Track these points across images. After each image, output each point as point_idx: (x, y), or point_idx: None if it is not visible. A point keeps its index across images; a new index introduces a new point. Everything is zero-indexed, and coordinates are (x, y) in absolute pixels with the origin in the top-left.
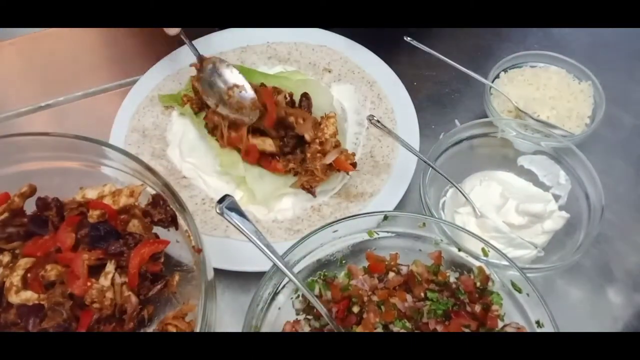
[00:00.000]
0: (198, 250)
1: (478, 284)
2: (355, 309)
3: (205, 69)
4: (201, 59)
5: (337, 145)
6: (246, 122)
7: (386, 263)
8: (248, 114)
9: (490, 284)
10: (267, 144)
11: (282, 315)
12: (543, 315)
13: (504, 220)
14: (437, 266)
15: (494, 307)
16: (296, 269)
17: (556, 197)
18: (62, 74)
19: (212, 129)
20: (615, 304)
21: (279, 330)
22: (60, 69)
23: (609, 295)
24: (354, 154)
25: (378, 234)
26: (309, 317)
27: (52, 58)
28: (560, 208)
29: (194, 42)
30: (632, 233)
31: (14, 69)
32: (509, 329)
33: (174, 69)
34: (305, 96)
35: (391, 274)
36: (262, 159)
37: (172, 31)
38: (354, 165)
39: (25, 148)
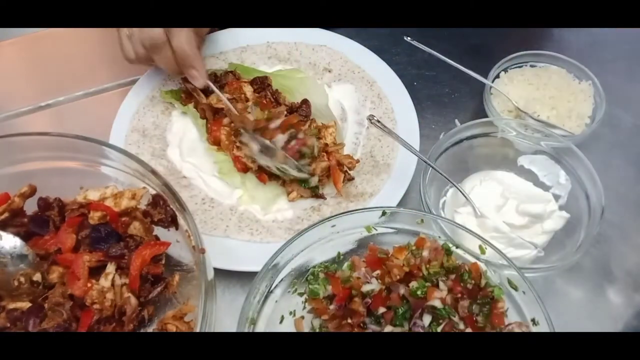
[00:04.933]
0: (201, 251)
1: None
2: (356, 301)
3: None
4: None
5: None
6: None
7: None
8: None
9: (484, 280)
10: (250, 160)
11: (279, 308)
12: (539, 314)
13: (504, 220)
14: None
15: (500, 304)
16: (294, 263)
17: (556, 197)
18: (62, 74)
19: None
20: (615, 304)
21: (276, 323)
22: (60, 69)
23: (609, 295)
24: (350, 164)
25: (376, 229)
26: (309, 314)
27: (52, 58)
28: (560, 208)
29: None
30: (632, 233)
31: (14, 69)
32: (514, 328)
33: None
34: (305, 103)
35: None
36: (250, 169)
37: (199, 82)
38: (350, 177)
39: (25, 148)
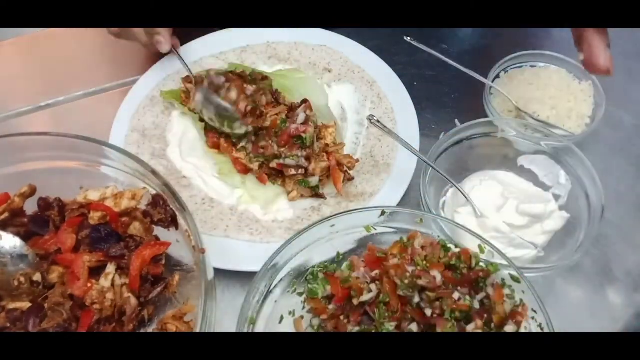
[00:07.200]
0: (201, 251)
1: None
2: (355, 302)
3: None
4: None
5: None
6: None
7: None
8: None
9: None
10: (249, 161)
11: (278, 308)
12: (539, 313)
13: (504, 220)
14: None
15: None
16: (294, 262)
17: (556, 197)
18: (62, 74)
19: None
20: (615, 304)
21: (276, 323)
22: (60, 69)
23: (609, 295)
24: (350, 164)
25: (376, 229)
26: (308, 313)
27: (52, 58)
28: (560, 208)
29: (193, 42)
30: (632, 233)
31: (14, 69)
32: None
33: (174, 69)
34: (304, 102)
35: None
36: (250, 170)
37: (164, 48)
38: (350, 177)
39: (25, 148)
